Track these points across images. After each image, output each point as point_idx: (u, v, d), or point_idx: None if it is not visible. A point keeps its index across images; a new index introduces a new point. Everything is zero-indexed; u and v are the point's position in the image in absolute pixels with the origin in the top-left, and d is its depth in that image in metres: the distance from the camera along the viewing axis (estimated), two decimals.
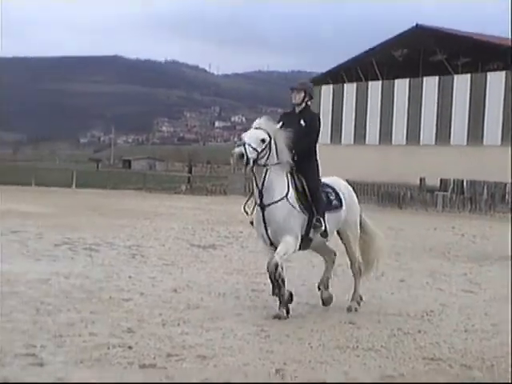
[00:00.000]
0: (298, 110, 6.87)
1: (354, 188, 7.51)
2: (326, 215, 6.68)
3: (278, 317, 6.37)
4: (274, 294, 6.51)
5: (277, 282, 6.38)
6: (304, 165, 6.70)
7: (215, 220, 17.71)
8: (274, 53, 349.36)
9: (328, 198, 6.81)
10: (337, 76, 45.48)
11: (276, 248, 6.42)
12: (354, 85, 44.95)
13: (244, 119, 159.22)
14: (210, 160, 52.54)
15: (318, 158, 6.90)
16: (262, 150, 6.45)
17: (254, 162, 6.40)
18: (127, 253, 10.39)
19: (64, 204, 20.94)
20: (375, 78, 43.60)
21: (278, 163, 6.55)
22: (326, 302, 7.10)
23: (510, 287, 8.31)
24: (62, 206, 19.86)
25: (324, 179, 7.07)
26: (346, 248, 7.22)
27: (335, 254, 7.34)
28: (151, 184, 34.10)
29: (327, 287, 7.14)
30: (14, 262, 8.72)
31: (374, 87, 43.85)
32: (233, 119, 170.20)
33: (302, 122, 6.75)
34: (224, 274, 9.02)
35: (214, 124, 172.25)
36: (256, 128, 6.54)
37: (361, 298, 7.18)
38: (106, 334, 5.64)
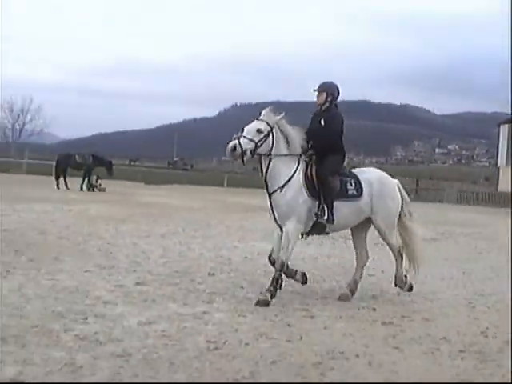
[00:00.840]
0: (321, 110, 6.97)
1: None
2: (338, 203, 6.67)
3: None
4: (287, 277, 6.81)
5: (289, 274, 6.79)
6: (322, 159, 6.74)
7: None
8: (481, 97, 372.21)
9: (345, 186, 6.79)
10: None
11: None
12: None
13: (457, 147, 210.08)
14: (432, 176, 60.01)
15: (341, 153, 6.91)
16: (260, 140, 6.53)
17: (252, 152, 6.49)
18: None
19: None
20: None
21: (287, 154, 6.67)
22: (345, 298, 6.84)
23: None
24: None
25: (358, 169, 7.22)
26: (382, 237, 7.17)
27: (367, 258, 7.18)
28: None
29: (354, 289, 6.96)
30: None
31: None
32: (449, 147, 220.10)
33: (322, 121, 6.86)
34: None
35: (434, 150, 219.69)
36: (257, 119, 6.65)
37: (405, 282, 7.06)
38: (357, 298, 6.93)
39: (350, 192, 6.79)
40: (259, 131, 6.56)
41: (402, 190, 7.25)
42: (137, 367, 4.17)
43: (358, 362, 4.58)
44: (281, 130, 6.70)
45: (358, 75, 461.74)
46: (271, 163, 6.64)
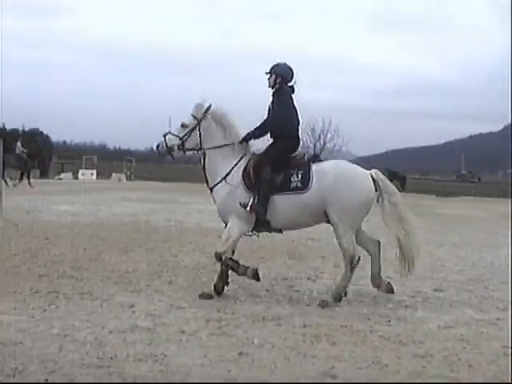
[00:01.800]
0: (272, 93, 6.37)
1: None
2: (278, 197, 6.09)
3: None
4: (239, 275, 6.24)
5: (229, 267, 6.16)
6: (268, 146, 6.27)
7: None
8: None
9: (289, 179, 6.11)
10: None
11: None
12: None
13: None
14: None
15: (288, 140, 6.25)
16: (185, 135, 6.25)
17: (180, 147, 6.26)
18: None
19: None
20: None
21: (224, 145, 6.28)
22: (388, 291, 6.39)
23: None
24: None
25: (325, 161, 6.47)
26: (336, 237, 6.23)
27: (379, 243, 6.43)
28: None
29: (380, 280, 6.37)
30: None
31: None
32: None
33: (273, 104, 6.33)
34: None
35: None
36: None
37: (342, 295, 6.15)
38: None
39: (292, 185, 6.14)
40: (183, 126, 6.34)
41: (382, 181, 6.35)
42: (438, 368, 4.31)
43: None
44: (215, 122, 6.33)
45: None
46: (206, 157, 6.33)
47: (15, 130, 55.58)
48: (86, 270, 7.27)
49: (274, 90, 6.41)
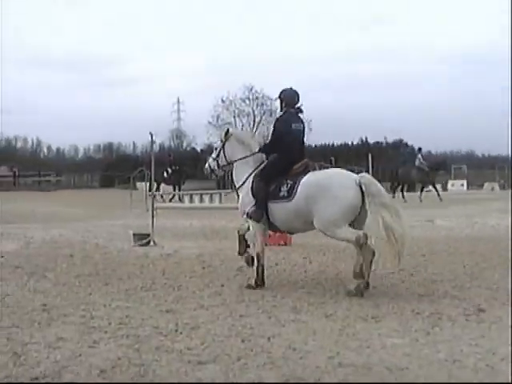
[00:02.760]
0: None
1: None
2: (271, 204, 6.94)
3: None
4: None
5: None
6: (268, 160, 7.31)
7: None
8: None
9: (279, 188, 6.88)
10: None
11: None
12: None
13: None
14: None
15: (279, 155, 7.14)
16: (217, 155, 7.66)
17: (219, 166, 7.71)
18: None
19: None
20: None
21: (244, 157, 7.40)
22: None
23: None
24: None
25: (322, 171, 7.29)
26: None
27: (374, 254, 6.48)
28: None
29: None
30: None
31: None
32: None
33: (274, 126, 7.47)
34: None
35: None
36: None
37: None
38: None
39: (281, 194, 6.87)
40: (215, 149, 7.81)
41: (366, 184, 6.47)
42: None
43: None
44: (236, 140, 7.50)
45: None
46: (233, 169, 7.50)
47: (378, 143, 58.13)
48: (468, 290, 6.78)
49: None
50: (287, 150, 7.13)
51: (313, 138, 60.72)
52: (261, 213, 6.99)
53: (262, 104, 68.85)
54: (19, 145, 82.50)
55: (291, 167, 7.04)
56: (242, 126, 65.41)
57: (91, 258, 9.71)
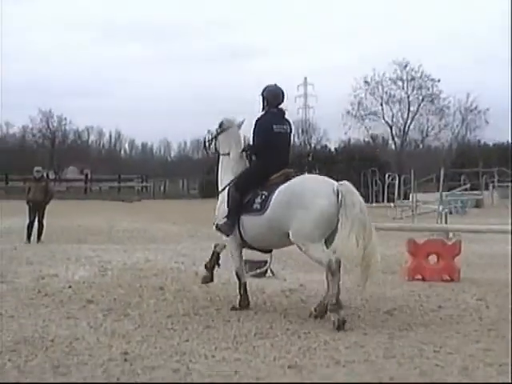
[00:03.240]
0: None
1: None
2: (244, 217, 8.04)
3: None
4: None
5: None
6: (245, 168, 8.53)
7: None
8: None
9: (253, 200, 7.91)
10: None
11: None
12: None
13: None
14: None
15: (257, 162, 8.42)
16: (211, 136, 9.10)
17: (205, 144, 9.32)
18: None
19: None
20: None
21: (227, 153, 8.71)
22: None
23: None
24: None
25: (298, 178, 8.01)
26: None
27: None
28: None
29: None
30: None
31: None
32: None
33: (254, 130, 8.44)
34: None
35: None
36: None
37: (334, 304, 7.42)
38: None
39: (254, 206, 7.83)
40: (210, 133, 9.34)
41: (343, 193, 7.44)
42: None
43: None
44: (229, 132, 8.91)
45: None
46: (220, 161, 8.97)
47: None
48: None
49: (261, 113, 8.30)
50: (266, 156, 8.10)
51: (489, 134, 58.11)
52: (231, 226, 8.07)
53: (421, 87, 66.16)
54: (92, 138, 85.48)
55: (269, 176, 7.95)
56: (393, 116, 63.44)
57: (188, 291, 9.79)
